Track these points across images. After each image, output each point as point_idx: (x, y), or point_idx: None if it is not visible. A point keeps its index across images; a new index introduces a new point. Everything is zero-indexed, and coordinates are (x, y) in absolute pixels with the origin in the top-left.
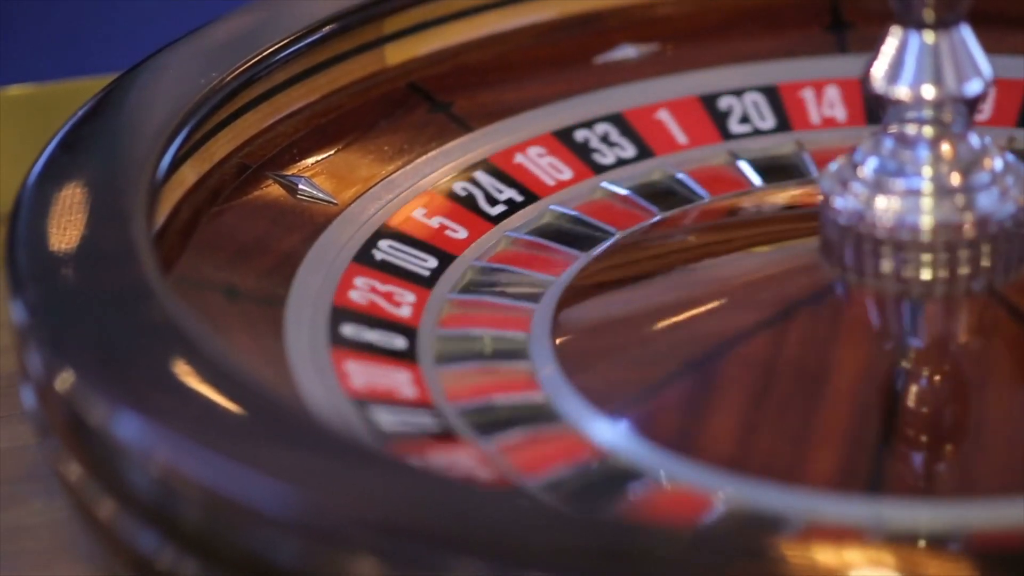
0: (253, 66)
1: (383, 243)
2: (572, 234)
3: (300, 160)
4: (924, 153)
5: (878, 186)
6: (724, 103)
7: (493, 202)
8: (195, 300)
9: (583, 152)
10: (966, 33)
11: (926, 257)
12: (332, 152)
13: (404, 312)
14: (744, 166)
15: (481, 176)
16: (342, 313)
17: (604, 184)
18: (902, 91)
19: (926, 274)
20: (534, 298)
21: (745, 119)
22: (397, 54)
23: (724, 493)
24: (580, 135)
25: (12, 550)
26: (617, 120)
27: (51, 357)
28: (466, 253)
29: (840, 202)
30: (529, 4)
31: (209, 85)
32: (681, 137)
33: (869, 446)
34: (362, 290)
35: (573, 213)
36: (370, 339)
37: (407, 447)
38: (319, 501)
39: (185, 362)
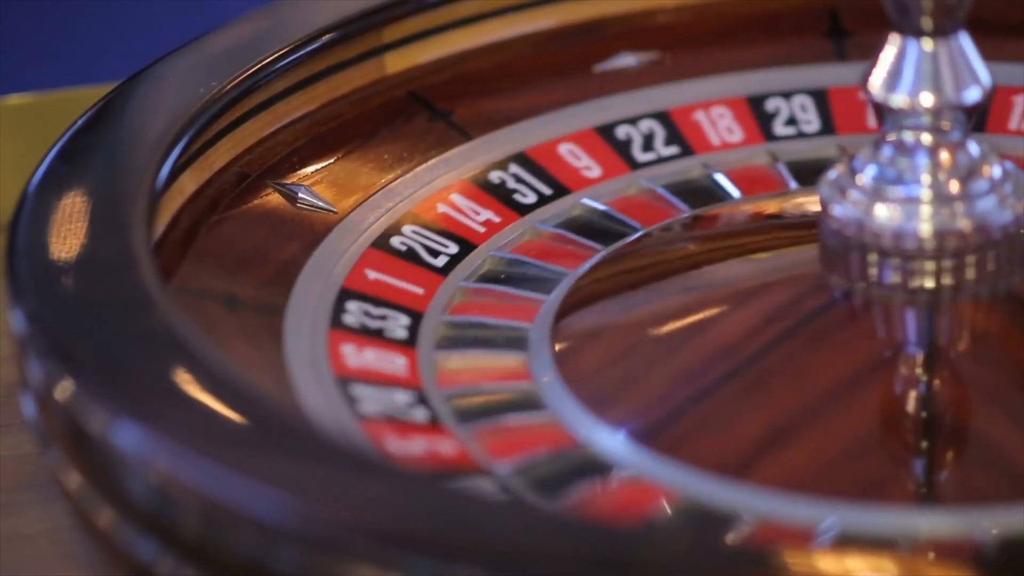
0: (253, 75)
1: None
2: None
3: (300, 169)
4: (923, 161)
5: (877, 194)
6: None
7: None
8: (195, 309)
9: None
10: (964, 41)
11: (925, 265)
12: (332, 161)
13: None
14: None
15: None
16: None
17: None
18: (901, 99)
19: (924, 282)
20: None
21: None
22: (397, 62)
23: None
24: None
25: (12, 558)
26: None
27: (51, 366)
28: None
29: (839, 210)
30: (529, 13)
31: (209, 94)
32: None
33: (874, 454)
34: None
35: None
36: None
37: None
38: (317, 510)
39: (185, 371)
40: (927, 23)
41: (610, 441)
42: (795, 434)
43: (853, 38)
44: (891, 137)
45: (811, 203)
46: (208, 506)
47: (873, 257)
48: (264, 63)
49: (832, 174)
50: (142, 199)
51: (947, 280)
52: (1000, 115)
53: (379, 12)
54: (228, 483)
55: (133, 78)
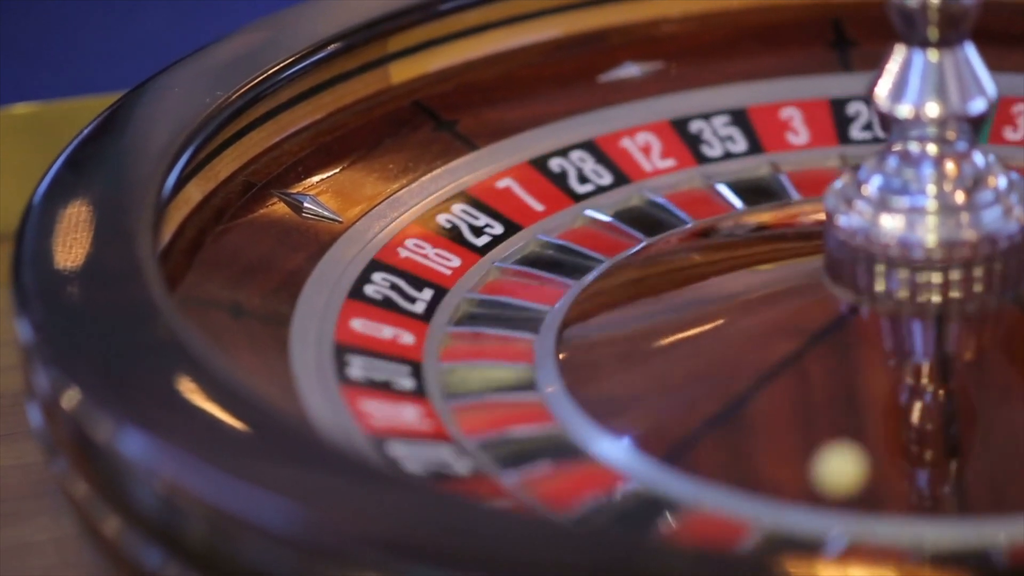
0: (258, 84)
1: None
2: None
3: (305, 178)
4: (928, 171)
5: (882, 204)
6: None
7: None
8: (200, 318)
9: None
10: (970, 51)
11: (930, 275)
12: (337, 170)
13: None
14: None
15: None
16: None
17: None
18: (906, 109)
19: (930, 292)
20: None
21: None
22: (402, 72)
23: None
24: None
25: (18, 567)
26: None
27: (57, 375)
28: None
29: (844, 220)
30: (533, 22)
31: (214, 104)
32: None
33: (879, 464)
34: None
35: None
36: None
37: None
38: (323, 518)
39: (190, 380)
40: (933, 34)
41: (656, 475)
42: (800, 442)
43: (857, 48)
44: (897, 147)
45: (812, 214)
46: (214, 515)
47: (878, 267)
48: (270, 73)
49: (838, 184)
50: (148, 208)
51: (953, 291)
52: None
53: (384, 22)
54: (234, 492)
55: (139, 88)
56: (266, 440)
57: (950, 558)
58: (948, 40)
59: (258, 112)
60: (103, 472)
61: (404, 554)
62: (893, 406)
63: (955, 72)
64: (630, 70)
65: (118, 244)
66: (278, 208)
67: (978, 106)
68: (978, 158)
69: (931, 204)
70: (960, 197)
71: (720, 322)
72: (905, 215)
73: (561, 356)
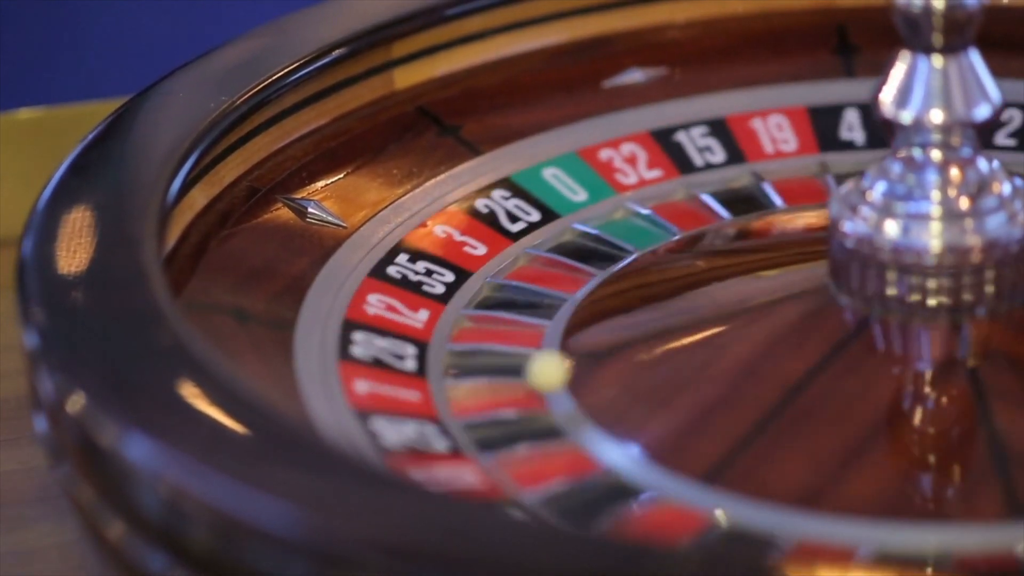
0: (262, 90)
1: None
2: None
3: (309, 184)
4: (932, 177)
5: (886, 210)
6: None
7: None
8: (204, 323)
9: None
10: (974, 57)
11: (934, 282)
12: (341, 176)
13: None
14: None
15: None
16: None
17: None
18: (910, 115)
19: (934, 298)
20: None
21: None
22: (406, 78)
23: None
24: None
25: (21, 573)
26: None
27: (62, 380)
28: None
29: (849, 226)
30: (538, 28)
31: (218, 109)
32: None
33: (876, 468)
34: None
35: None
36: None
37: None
38: (327, 522)
39: (195, 385)
40: (937, 40)
41: (637, 466)
42: (803, 442)
43: (861, 54)
44: (901, 153)
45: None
46: (218, 519)
47: (882, 273)
48: (274, 78)
49: (842, 190)
50: (152, 213)
51: (957, 296)
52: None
53: (388, 27)
54: (238, 496)
55: (143, 93)
56: (270, 444)
57: (965, 565)
58: (952, 46)
59: (262, 117)
60: (107, 477)
61: (408, 559)
62: (896, 411)
63: (959, 78)
64: (634, 76)
65: (122, 249)
66: (282, 213)
67: (982, 112)
68: (982, 164)
69: (935, 210)
70: (964, 203)
71: (723, 328)
72: (909, 221)
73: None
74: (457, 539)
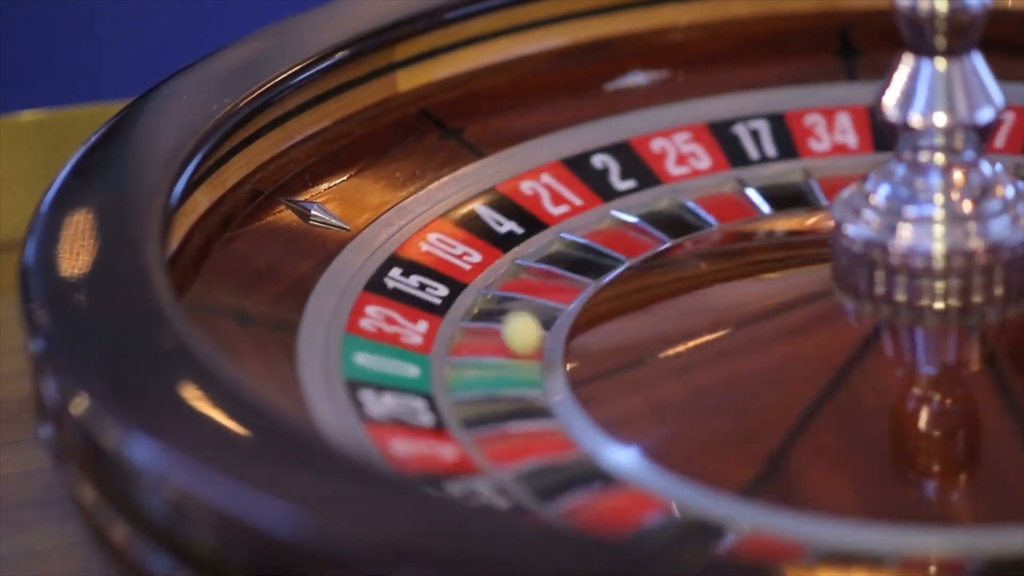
0: (265, 92)
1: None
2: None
3: (312, 186)
4: (936, 180)
5: (890, 213)
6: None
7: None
8: (208, 325)
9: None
10: (977, 60)
11: (938, 284)
12: (344, 178)
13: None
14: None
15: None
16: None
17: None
18: (914, 118)
19: (938, 301)
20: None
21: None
22: (409, 80)
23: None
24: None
25: (24, 575)
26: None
27: (65, 382)
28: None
29: (852, 229)
30: (540, 31)
31: (221, 111)
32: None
33: (881, 472)
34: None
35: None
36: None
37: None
38: (330, 525)
39: (198, 387)
40: (941, 43)
41: (622, 458)
42: (809, 451)
43: (863, 57)
44: (904, 156)
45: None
46: (221, 521)
47: (886, 276)
48: (277, 80)
49: (845, 193)
50: (155, 216)
51: (960, 299)
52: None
53: (391, 30)
54: (241, 498)
55: (146, 95)
56: (273, 447)
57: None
58: (956, 49)
59: (265, 119)
60: (111, 479)
61: (411, 560)
62: (899, 414)
63: (963, 81)
64: (637, 78)
65: (125, 251)
66: (285, 215)
67: (986, 115)
68: (985, 167)
69: (939, 213)
70: (968, 206)
71: (726, 330)
72: (913, 224)
73: (569, 367)
74: (460, 541)
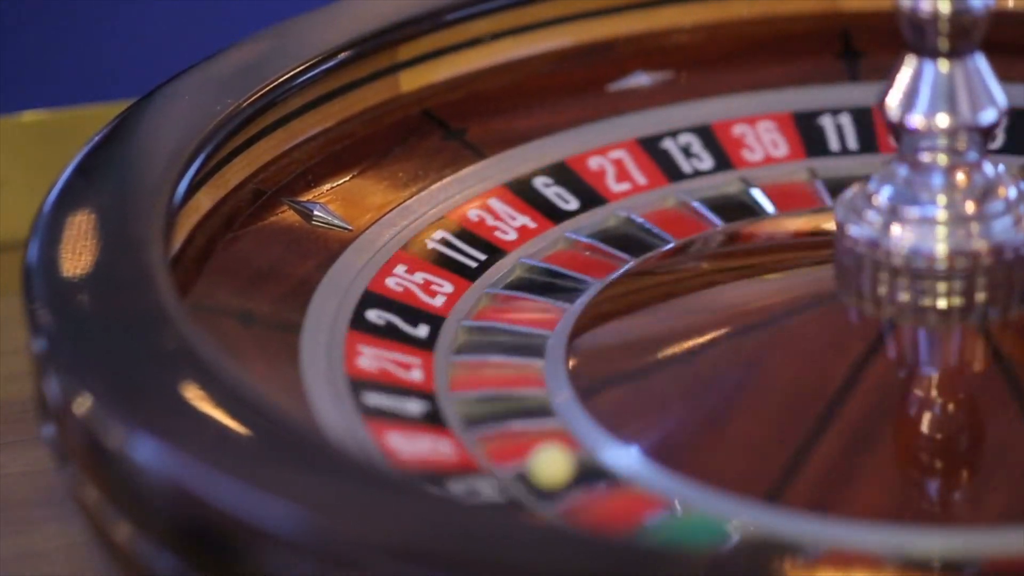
0: (268, 93)
1: (373, 312)
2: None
3: (315, 186)
4: (938, 181)
5: (892, 214)
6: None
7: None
8: (210, 326)
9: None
10: (980, 62)
11: (941, 285)
12: (347, 178)
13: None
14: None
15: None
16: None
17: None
18: (917, 120)
19: (940, 302)
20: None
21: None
22: (411, 81)
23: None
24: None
25: (28, 575)
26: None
27: (68, 382)
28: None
29: (855, 230)
30: (543, 32)
31: (224, 112)
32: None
33: (881, 472)
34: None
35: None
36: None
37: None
38: (334, 524)
39: (201, 387)
40: (943, 44)
41: (625, 458)
42: (811, 453)
43: (866, 59)
44: (907, 157)
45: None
46: (225, 521)
47: (888, 277)
48: (279, 81)
49: (848, 194)
50: (158, 216)
51: (963, 300)
52: None
53: (394, 31)
54: (244, 498)
55: (149, 95)
56: (276, 447)
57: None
58: (959, 50)
59: (268, 120)
60: (114, 478)
61: (415, 561)
62: (901, 416)
63: (965, 82)
64: (640, 79)
65: (128, 251)
66: (288, 216)
67: (988, 116)
68: (988, 168)
69: (941, 214)
70: (970, 207)
71: (727, 330)
72: (915, 225)
73: (571, 364)
74: (463, 541)
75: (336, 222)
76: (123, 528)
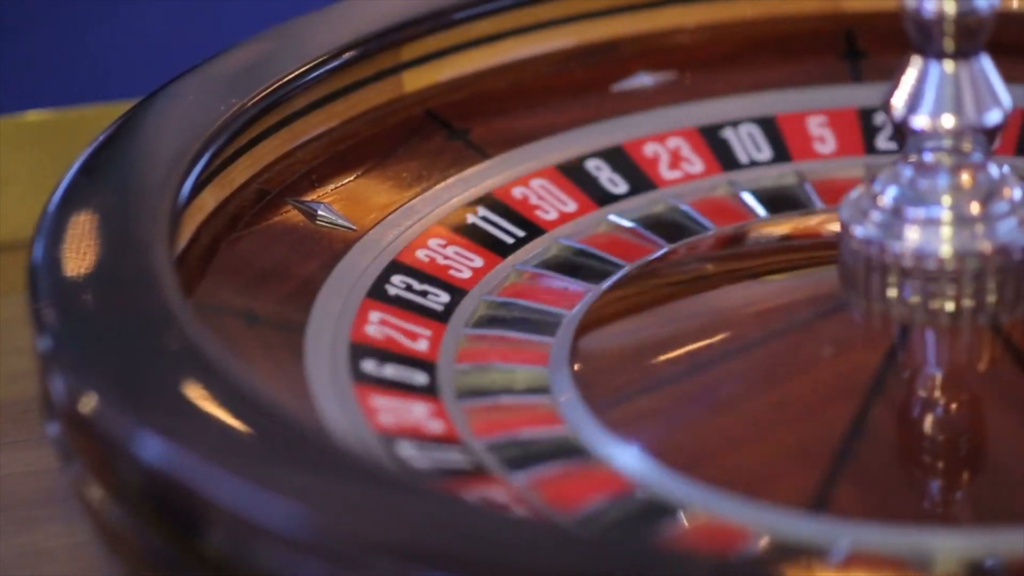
0: (272, 92)
1: (396, 278)
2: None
3: (319, 186)
4: (943, 182)
5: (897, 215)
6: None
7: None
8: (215, 325)
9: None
10: (985, 63)
11: (944, 286)
12: (350, 179)
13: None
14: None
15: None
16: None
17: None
18: (922, 120)
19: (944, 303)
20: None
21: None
22: (415, 81)
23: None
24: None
25: (31, 574)
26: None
27: (73, 381)
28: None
29: (859, 230)
30: (546, 32)
31: (228, 111)
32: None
33: (883, 474)
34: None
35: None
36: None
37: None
38: (337, 523)
39: (205, 386)
40: (949, 45)
41: (662, 479)
42: (815, 454)
43: (869, 59)
44: (912, 158)
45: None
46: (229, 520)
47: (893, 278)
48: (283, 81)
49: (853, 195)
50: (162, 216)
51: (967, 301)
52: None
53: (397, 31)
54: (248, 497)
55: (153, 95)
56: (281, 446)
57: (962, 569)
58: (964, 51)
59: (272, 120)
60: (119, 478)
61: (418, 560)
62: (906, 415)
63: (971, 83)
64: (643, 80)
65: (133, 251)
66: (292, 216)
67: (994, 117)
68: (993, 169)
69: (946, 215)
70: (975, 208)
71: (732, 332)
72: (920, 226)
73: (576, 367)
74: (465, 541)
75: (340, 222)
76: (126, 527)
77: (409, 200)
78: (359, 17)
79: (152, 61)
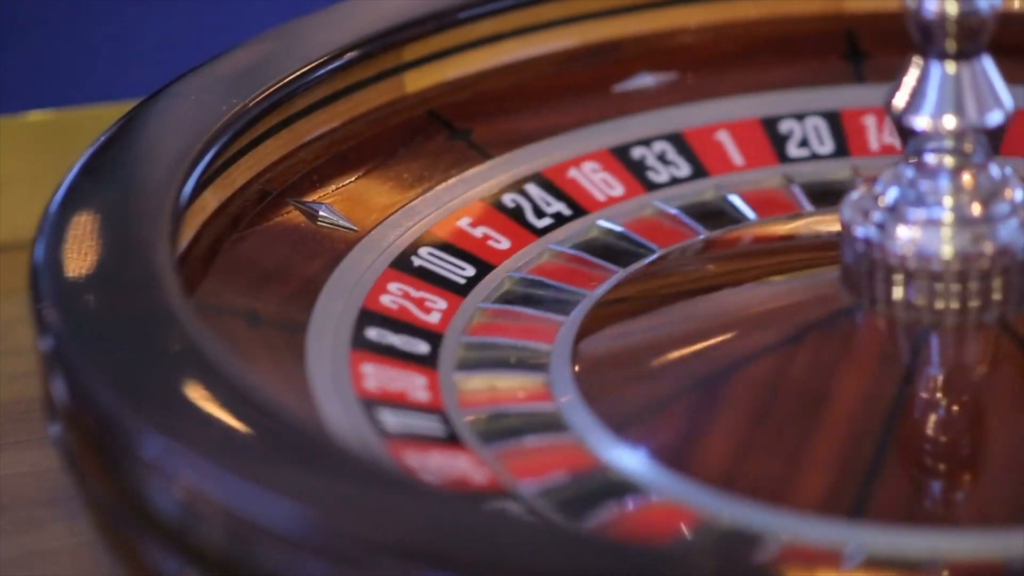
0: (274, 93)
1: (422, 250)
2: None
3: (320, 187)
4: (945, 183)
5: (898, 215)
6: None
7: (540, 214)
8: (217, 325)
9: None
10: (987, 64)
11: (945, 287)
12: (352, 179)
13: (433, 318)
14: (797, 190)
15: (529, 189)
16: (368, 316)
17: (600, 222)
18: (923, 121)
19: (945, 304)
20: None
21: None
22: (417, 82)
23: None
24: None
25: (33, 575)
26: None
27: (75, 382)
28: (476, 289)
29: (860, 231)
30: (548, 32)
31: (230, 112)
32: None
33: (874, 471)
34: (393, 295)
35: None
36: (393, 342)
37: (405, 447)
38: (340, 525)
39: (207, 387)
40: (951, 46)
41: (635, 463)
42: (817, 455)
43: (871, 60)
44: (913, 159)
45: (824, 225)
46: (231, 520)
47: (894, 278)
48: (285, 81)
49: (854, 195)
50: (164, 216)
51: (969, 302)
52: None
53: (399, 31)
54: (251, 497)
55: (155, 95)
56: (283, 446)
57: (966, 570)
58: (966, 52)
59: (274, 120)
60: (121, 478)
61: (419, 560)
62: (906, 416)
63: (972, 84)
64: (645, 80)
65: (134, 251)
66: (294, 216)
67: (995, 118)
68: (994, 170)
69: (947, 216)
70: (976, 209)
71: (732, 334)
72: (921, 227)
73: (576, 368)
74: (466, 541)
75: (342, 222)
76: (129, 527)
77: (411, 201)
78: (361, 17)
79: (154, 61)
